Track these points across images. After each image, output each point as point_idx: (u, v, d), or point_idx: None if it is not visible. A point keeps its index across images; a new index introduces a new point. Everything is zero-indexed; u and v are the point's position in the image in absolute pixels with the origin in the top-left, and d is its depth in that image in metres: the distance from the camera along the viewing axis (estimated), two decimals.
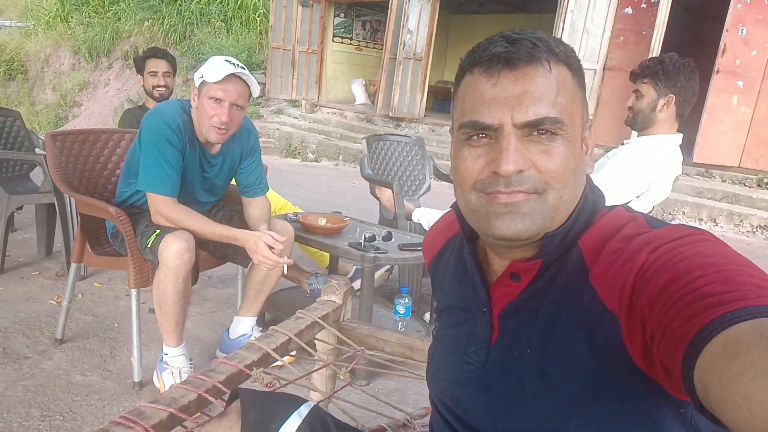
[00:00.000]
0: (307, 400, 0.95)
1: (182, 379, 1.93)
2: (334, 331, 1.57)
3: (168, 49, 11.61)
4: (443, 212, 2.88)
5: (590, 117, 0.77)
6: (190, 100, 2.02)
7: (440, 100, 11.69)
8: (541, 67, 0.67)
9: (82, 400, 1.97)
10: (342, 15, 10.79)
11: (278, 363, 1.40)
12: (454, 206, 0.80)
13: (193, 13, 11.53)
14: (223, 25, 11.52)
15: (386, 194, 3.08)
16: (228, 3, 11.62)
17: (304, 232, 2.40)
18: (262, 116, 10.21)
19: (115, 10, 12.35)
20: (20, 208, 3.60)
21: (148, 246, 1.95)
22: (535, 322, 0.70)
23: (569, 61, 0.70)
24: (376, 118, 9.48)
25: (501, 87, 0.67)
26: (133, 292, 2.04)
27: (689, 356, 0.48)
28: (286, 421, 0.89)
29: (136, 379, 2.06)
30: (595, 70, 7.20)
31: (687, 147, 6.70)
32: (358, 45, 11.22)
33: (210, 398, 1.15)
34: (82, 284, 2.99)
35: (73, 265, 2.24)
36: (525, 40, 0.67)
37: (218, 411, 1.07)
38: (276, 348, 1.39)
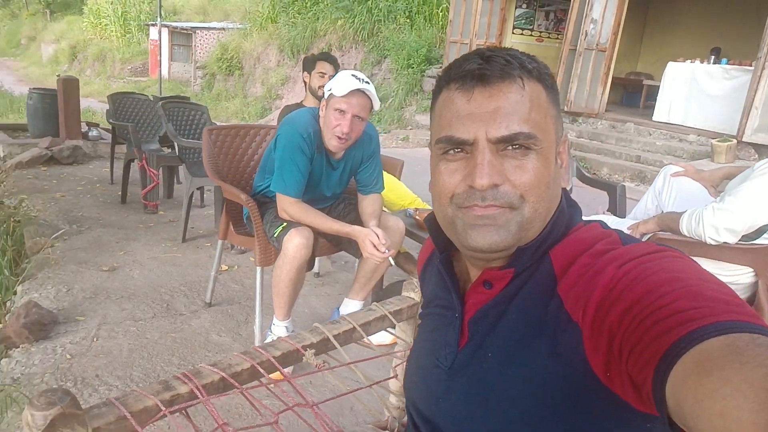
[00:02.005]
0: None
1: None
2: (402, 327, 1.64)
3: (356, 46, 12.46)
4: None
5: (565, 132, 0.78)
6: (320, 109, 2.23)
7: (630, 92, 10.80)
8: (514, 84, 0.68)
9: (212, 356, 2.32)
10: (524, 6, 10.50)
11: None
12: (426, 219, 0.85)
13: (381, 11, 12.19)
14: (408, 21, 11.98)
15: None
16: None
17: (416, 229, 2.49)
18: None
19: (314, 11, 13.59)
20: (201, 188, 4.23)
21: (275, 235, 2.22)
22: (500, 327, 0.72)
23: (542, 77, 0.71)
24: None
25: (476, 103, 0.69)
26: (258, 269, 2.33)
27: (661, 371, 0.49)
28: None
29: (256, 345, 2.35)
30: None
31: None
32: (539, 36, 10.82)
33: (261, 370, 1.30)
34: (240, 257, 3.46)
35: (219, 241, 2.63)
36: (498, 57, 0.69)
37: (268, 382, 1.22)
38: (337, 334, 1.51)
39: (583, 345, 0.61)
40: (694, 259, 2.08)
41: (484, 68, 0.68)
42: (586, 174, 3.41)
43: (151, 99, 4.76)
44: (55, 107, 5.93)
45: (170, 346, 2.37)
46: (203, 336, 2.48)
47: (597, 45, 8.33)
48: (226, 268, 3.26)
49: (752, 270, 2.02)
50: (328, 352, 1.50)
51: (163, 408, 1.09)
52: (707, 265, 2.05)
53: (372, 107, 2.15)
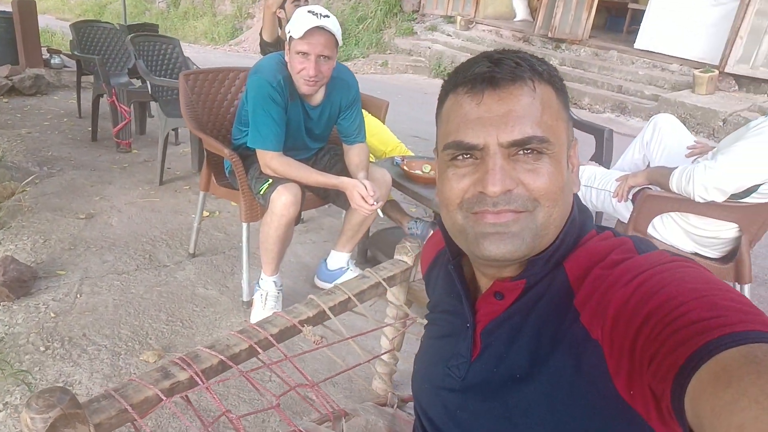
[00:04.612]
0: None
1: (267, 301, 2.19)
2: (395, 292, 1.64)
3: None
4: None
5: (575, 136, 0.76)
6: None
7: (615, 17, 10.50)
8: (525, 86, 0.67)
9: (200, 311, 2.31)
10: None
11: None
12: (439, 222, 0.82)
13: None
14: None
15: None
16: None
17: (404, 179, 2.44)
18: (416, 33, 10.06)
19: None
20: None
21: (261, 193, 2.15)
22: (517, 341, 0.71)
23: (553, 80, 0.70)
24: (534, 38, 8.84)
25: (485, 107, 0.67)
26: (244, 225, 2.28)
27: (679, 384, 0.49)
28: None
29: (244, 299, 2.35)
30: None
31: None
32: None
33: (259, 349, 1.30)
34: (221, 202, 3.38)
35: (201, 193, 2.55)
36: (508, 59, 0.67)
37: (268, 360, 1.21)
38: (333, 306, 1.50)
39: (606, 363, 0.61)
40: (681, 214, 2.09)
41: (494, 71, 0.66)
42: (573, 115, 3.37)
43: (117, 28, 4.45)
44: (11, 32, 5.54)
45: (156, 300, 2.34)
46: (189, 289, 2.45)
47: None
48: (207, 214, 3.19)
49: (737, 226, 2.05)
50: (325, 323, 1.50)
51: (164, 397, 1.09)
52: (692, 219, 2.07)
53: (337, 43, 2.03)
